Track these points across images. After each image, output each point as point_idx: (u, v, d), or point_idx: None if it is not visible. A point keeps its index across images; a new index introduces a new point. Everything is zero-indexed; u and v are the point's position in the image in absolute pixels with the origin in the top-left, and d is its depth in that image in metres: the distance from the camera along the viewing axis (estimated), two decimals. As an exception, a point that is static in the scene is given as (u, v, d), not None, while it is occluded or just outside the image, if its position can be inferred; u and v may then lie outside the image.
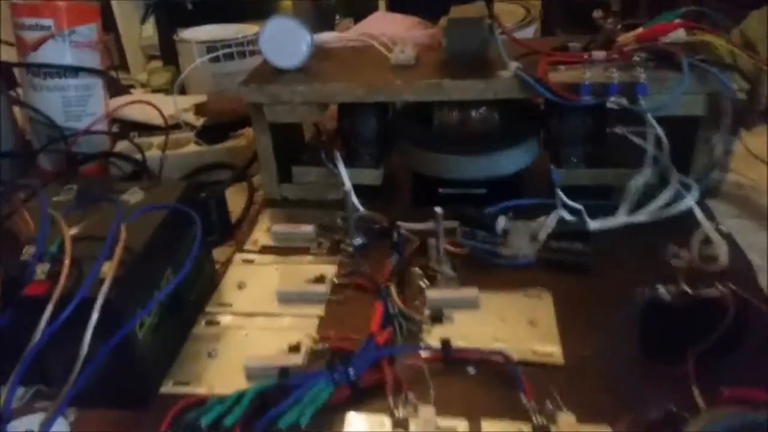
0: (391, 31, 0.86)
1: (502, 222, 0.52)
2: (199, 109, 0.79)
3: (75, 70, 0.66)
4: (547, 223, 0.51)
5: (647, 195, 0.54)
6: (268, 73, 0.58)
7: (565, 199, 0.52)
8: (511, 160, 0.57)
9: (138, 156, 0.69)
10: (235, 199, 0.66)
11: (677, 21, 0.53)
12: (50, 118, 0.67)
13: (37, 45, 0.65)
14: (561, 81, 0.51)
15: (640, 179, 0.54)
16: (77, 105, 0.68)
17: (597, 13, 1.84)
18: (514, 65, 0.52)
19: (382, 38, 0.63)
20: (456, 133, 0.58)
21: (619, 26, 0.55)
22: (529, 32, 0.77)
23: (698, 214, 0.53)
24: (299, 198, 0.63)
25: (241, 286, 0.50)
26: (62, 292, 0.37)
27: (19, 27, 0.65)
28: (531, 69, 0.52)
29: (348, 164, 0.59)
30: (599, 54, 0.53)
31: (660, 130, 0.52)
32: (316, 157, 0.61)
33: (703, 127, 0.54)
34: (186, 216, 0.46)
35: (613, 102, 0.51)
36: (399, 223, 0.55)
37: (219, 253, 0.58)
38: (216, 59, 0.80)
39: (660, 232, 0.52)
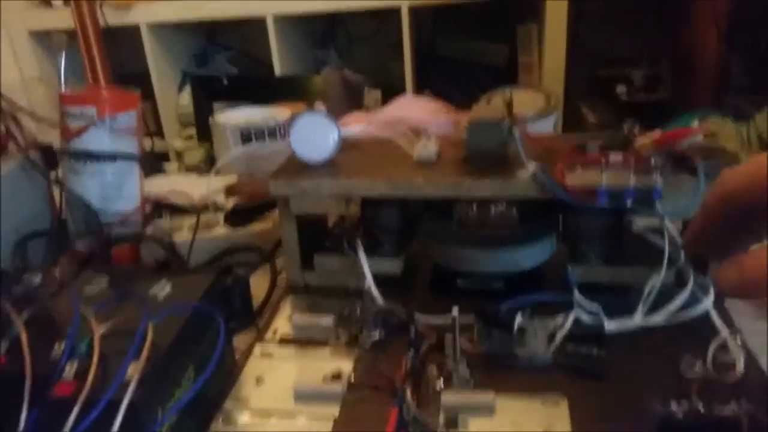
0: (416, 115, 0.89)
1: (518, 320, 0.53)
2: (229, 191, 0.82)
3: (113, 157, 0.70)
4: (564, 325, 0.52)
5: (666, 295, 0.54)
6: (296, 167, 0.61)
7: (582, 301, 0.53)
8: (529, 256, 0.58)
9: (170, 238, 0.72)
10: (259, 281, 0.68)
11: (695, 126, 0.54)
12: (88, 200, 0.70)
13: (81, 132, 0.69)
14: (578, 184, 0.53)
15: (656, 280, 0.54)
16: (114, 188, 0.71)
17: (620, 89, 1.85)
18: (532, 166, 0.54)
19: (405, 130, 0.65)
20: (475, 228, 0.59)
21: (637, 128, 0.57)
22: (549, 122, 0.79)
23: (715, 319, 0.53)
24: (321, 285, 0.64)
25: (259, 381, 0.51)
26: (89, 394, 0.38)
27: (65, 115, 0.69)
28: (549, 169, 0.54)
29: (369, 253, 0.60)
30: (616, 156, 0.54)
31: (675, 232, 0.53)
32: (338, 245, 0.63)
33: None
34: (210, 312, 0.47)
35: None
36: (416, 315, 0.56)
37: (240, 341, 0.60)
38: (248, 141, 0.84)
39: (677, 335, 0.52)
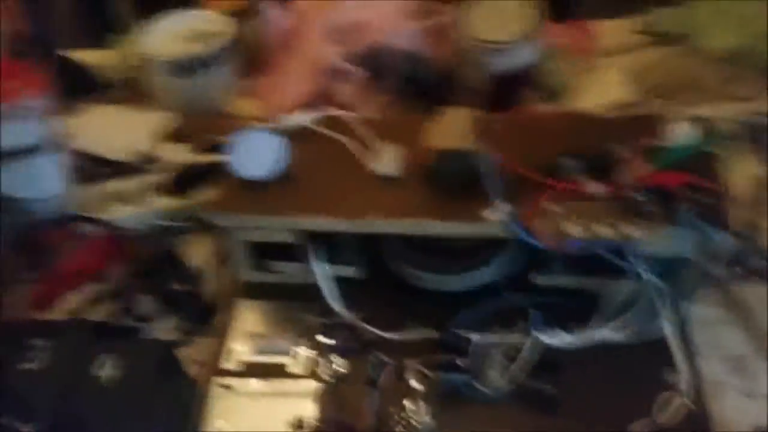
0: (380, 20, 0.76)
1: (476, 341, 0.52)
2: (174, 136, 0.72)
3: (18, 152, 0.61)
4: (521, 356, 0.51)
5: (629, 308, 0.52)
6: (239, 189, 0.54)
7: (542, 337, 0.52)
8: (494, 270, 0.56)
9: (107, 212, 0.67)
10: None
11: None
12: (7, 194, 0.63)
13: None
14: (550, 232, 0.48)
15: (619, 294, 0.52)
16: (33, 177, 0.64)
17: None
18: (503, 209, 0.48)
19: (359, 130, 0.55)
20: (436, 245, 0.55)
21: (626, 152, 0.50)
22: (532, 49, 0.68)
23: (671, 341, 0.52)
24: (277, 282, 0.60)
25: (223, 428, 0.52)
26: None
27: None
28: (519, 212, 0.48)
29: (328, 260, 0.57)
30: (597, 188, 0.49)
31: (646, 274, 0.50)
32: (294, 250, 0.58)
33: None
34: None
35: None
36: (375, 334, 0.54)
37: (197, 349, 0.59)
38: (183, 74, 0.72)
39: (636, 353, 0.52)
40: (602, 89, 0.76)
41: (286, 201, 0.53)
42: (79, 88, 0.81)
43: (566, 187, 0.49)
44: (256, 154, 0.52)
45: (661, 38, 0.81)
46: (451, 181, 0.51)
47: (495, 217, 0.49)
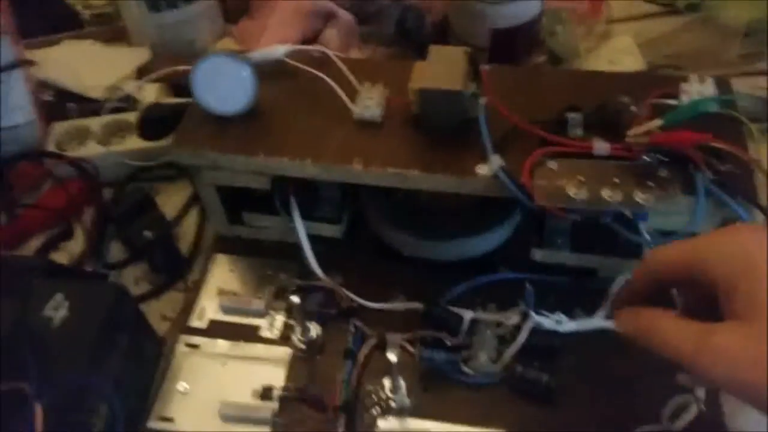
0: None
1: (468, 318, 0.48)
2: (142, 73, 0.67)
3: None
4: (516, 340, 0.46)
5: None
6: (203, 124, 0.49)
7: (539, 318, 0.47)
8: (486, 241, 0.51)
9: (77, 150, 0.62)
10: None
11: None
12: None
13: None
14: (548, 191, 0.43)
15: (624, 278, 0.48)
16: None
17: None
18: (496, 163, 0.43)
19: (341, 68, 0.50)
20: (425, 207, 0.50)
21: (634, 108, 0.45)
22: (532, 5, 0.62)
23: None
24: (253, 238, 0.56)
25: (185, 390, 0.48)
26: None
27: None
28: (515, 168, 0.43)
29: (306, 215, 0.52)
30: (602, 146, 0.44)
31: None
32: (270, 202, 0.53)
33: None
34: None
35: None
36: (356, 302, 0.50)
37: (166, 303, 0.55)
38: (157, 8, 0.66)
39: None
40: (612, 57, 0.71)
41: (251, 139, 0.47)
42: (57, 22, 0.76)
43: (568, 143, 0.44)
44: (221, 86, 0.47)
45: (670, 8, 0.77)
46: (438, 125, 0.46)
47: (488, 172, 0.44)
